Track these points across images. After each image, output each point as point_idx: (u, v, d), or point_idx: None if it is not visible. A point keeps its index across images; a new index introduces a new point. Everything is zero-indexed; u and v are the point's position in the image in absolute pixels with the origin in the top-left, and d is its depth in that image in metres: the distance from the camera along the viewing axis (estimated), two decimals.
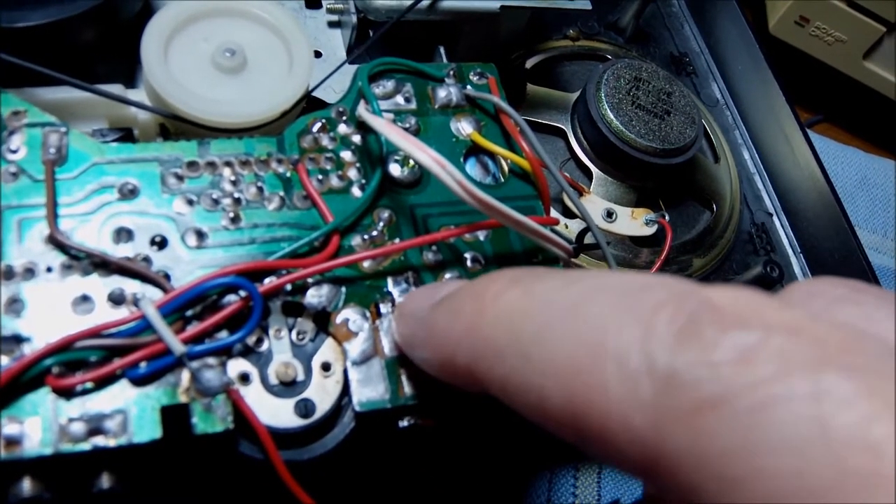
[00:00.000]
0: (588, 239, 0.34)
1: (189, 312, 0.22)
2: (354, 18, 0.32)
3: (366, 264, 0.24)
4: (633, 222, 0.38)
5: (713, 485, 0.13)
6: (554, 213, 0.34)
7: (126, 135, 0.28)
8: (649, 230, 0.38)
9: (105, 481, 0.21)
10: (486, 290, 0.18)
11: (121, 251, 0.23)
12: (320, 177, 0.25)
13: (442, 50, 0.33)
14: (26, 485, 0.20)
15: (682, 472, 0.13)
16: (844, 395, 0.12)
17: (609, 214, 0.38)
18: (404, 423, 0.22)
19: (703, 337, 0.13)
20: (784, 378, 0.12)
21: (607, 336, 0.14)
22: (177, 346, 0.21)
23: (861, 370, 0.12)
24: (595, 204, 0.38)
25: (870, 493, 0.11)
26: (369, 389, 0.22)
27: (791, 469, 0.12)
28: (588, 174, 0.39)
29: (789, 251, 0.43)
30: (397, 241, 0.25)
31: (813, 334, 0.13)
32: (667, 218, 0.38)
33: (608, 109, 0.37)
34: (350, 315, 0.23)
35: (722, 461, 0.12)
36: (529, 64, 0.42)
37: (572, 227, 0.36)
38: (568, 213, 0.37)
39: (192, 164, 0.24)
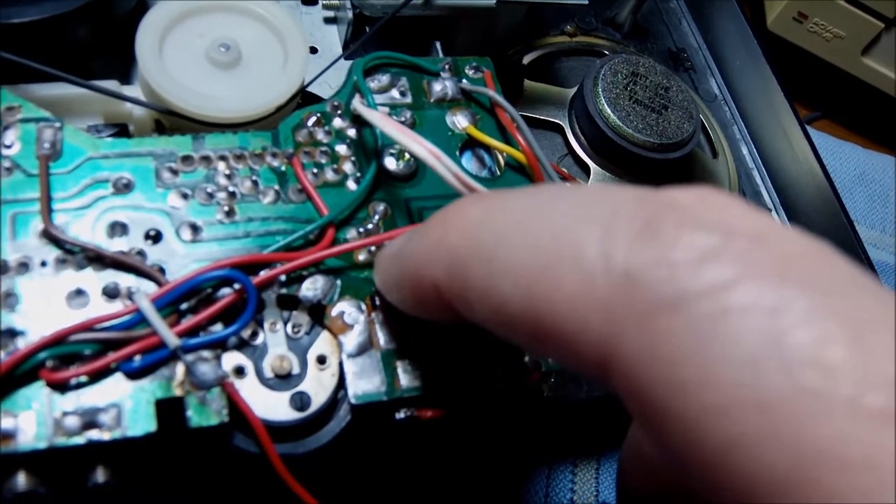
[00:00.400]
0: None
1: (184, 306, 0.22)
2: (350, 14, 0.32)
3: (361, 256, 0.24)
4: None
5: (661, 389, 0.12)
6: None
7: (121, 130, 0.28)
8: None
9: (100, 475, 0.21)
10: (450, 210, 0.18)
11: (115, 245, 0.23)
12: (315, 170, 0.25)
13: (438, 45, 0.33)
14: (21, 479, 0.20)
15: (633, 374, 0.13)
16: (803, 311, 0.12)
17: None
18: (401, 415, 0.22)
19: (662, 235, 0.13)
20: (742, 286, 0.12)
21: (564, 237, 0.14)
22: (171, 339, 0.21)
23: (822, 288, 0.12)
24: None
25: (819, 413, 0.11)
26: (365, 382, 0.22)
27: (742, 380, 0.11)
28: (586, 170, 0.39)
29: None
30: (393, 231, 0.24)
31: (778, 243, 0.13)
32: None
33: (605, 104, 0.37)
34: (345, 308, 0.23)
35: (673, 366, 0.12)
36: (526, 60, 0.42)
37: None
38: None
39: (186, 159, 0.24)
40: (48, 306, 0.21)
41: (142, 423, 0.20)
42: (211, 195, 0.24)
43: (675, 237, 0.13)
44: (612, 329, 0.13)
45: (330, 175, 0.25)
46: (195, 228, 0.23)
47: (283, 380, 0.22)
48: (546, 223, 0.15)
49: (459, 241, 0.17)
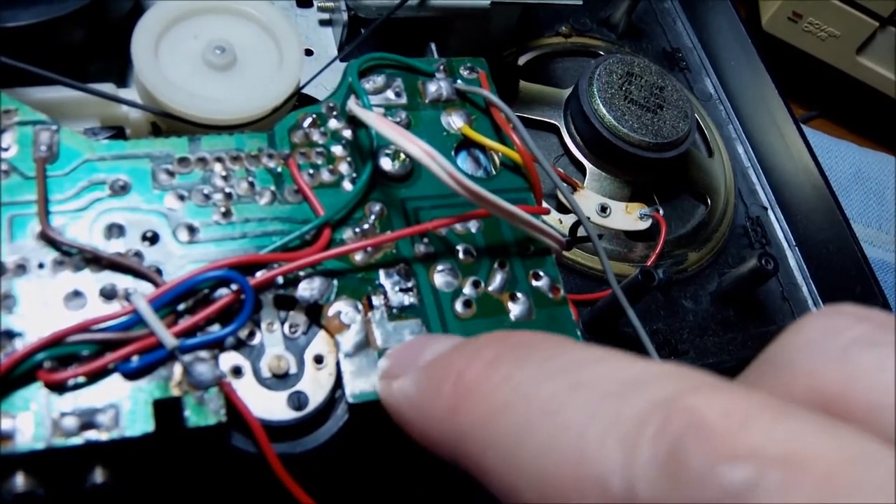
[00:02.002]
0: (581, 232, 0.34)
1: (181, 306, 0.22)
2: (345, 16, 0.33)
3: (357, 257, 0.24)
4: (628, 217, 0.38)
5: None
6: (548, 208, 0.34)
7: (118, 133, 0.28)
8: (643, 224, 0.38)
9: (98, 476, 0.21)
10: (467, 370, 0.17)
11: (112, 247, 0.23)
12: (311, 171, 0.25)
13: (433, 46, 0.34)
14: (19, 480, 0.20)
15: None
16: None
17: (603, 209, 0.38)
18: None
19: (689, 471, 0.12)
20: None
21: (587, 453, 0.14)
22: (169, 339, 0.21)
23: None
24: (589, 199, 0.38)
25: None
26: (362, 381, 0.22)
27: None
28: (582, 169, 0.39)
29: (784, 244, 0.43)
30: (389, 233, 0.25)
31: (816, 465, 0.12)
32: (661, 212, 0.38)
33: (601, 104, 0.37)
34: (342, 307, 0.23)
35: None
36: (522, 61, 0.42)
37: (567, 223, 0.36)
38: (562, 209, 0.37)
39: (183, 160, 0.24)
40: (46, 308, 0.21)
41: (139, 423, 0.20)
42: (207, 196, 0.24)
43: (702, 475, 0.12)
44: None
45: (326, 176, 0.25)
46: (192, 229, 0.23)
47: (281, 379, 0.22)
48: (566, 425, 0.14)
49: (475, 424, 0.16)
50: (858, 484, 0.11)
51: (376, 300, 0.24)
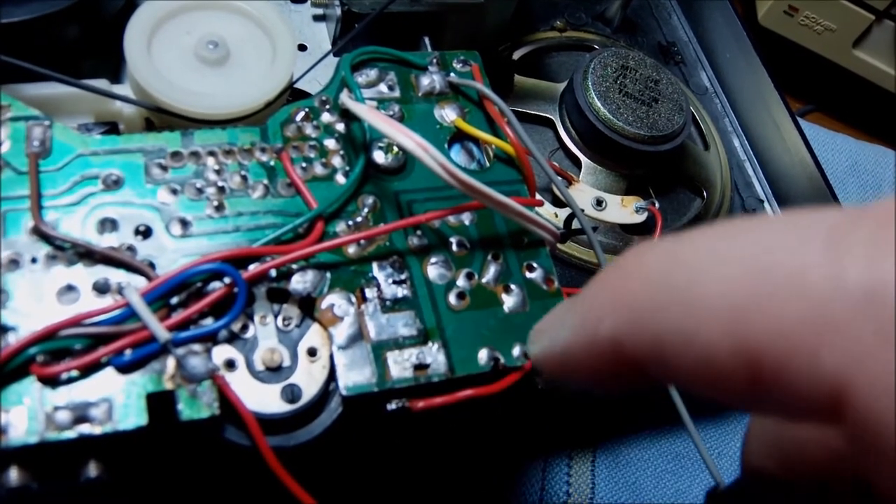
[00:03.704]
0: (576, 225, 0.34)
1: (174, 300, 0.22)
2: (339, 11, 0.33)
3: (350, 249, 0.24)
4: (623, 210, 0.38)
5: None
6: (541, 200, 0.34)
7: (111, 129, 0.28)
8: (639, 218, 0.38)
9: (92, 470, 0.21)
10: (626, 256, 0.15)
11: (105, 241, 0.23)
12: (304, 165, 0.25)
13: (427, 40, 0.34)
14: (13, 474, 0.20)
15: (876, 409, 0.11)
16: None
17: (599, 203, 0.38)
18: (392, 406, 0.22)
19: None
20: None
21: (775, 259, 0.12)
22: (161, 332, 0.21)
23: None
24: (585, 192, 0.38)
25: None
26: (356, 373, 0.22)
27: None
28: (577, 163, 0.39)
29: None
30: (382, 225, 0.25)
31: None
32: (657, 205, 0.38)
33: (595, 98, 0.37)
34: (335, 300, 0.23)
35: None
36: (517, 55, 0.42)
37: (562, 216, 0.36)
38: (558, 203, 0.37)
39: (175, 155, 0.24)
40: (39, 302, 0.21)
41: (133, 416, 0.20)
42: (200, 190, 0.24)
43: None
44: (852, 358, 0.11)
45: (319, 169, 0.25)
46: (185, 223, 0.23)
47: (274, 372, 0.22)
48: (747, 249, 0.13)
49: (645, 286, 0.14)
50: None
51: (370, 293, 0.24)
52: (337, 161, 0.26)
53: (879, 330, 0.11)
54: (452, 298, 0.24)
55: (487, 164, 0.28)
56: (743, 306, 0.12)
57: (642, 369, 0.14)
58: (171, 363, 0.21)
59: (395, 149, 0.26)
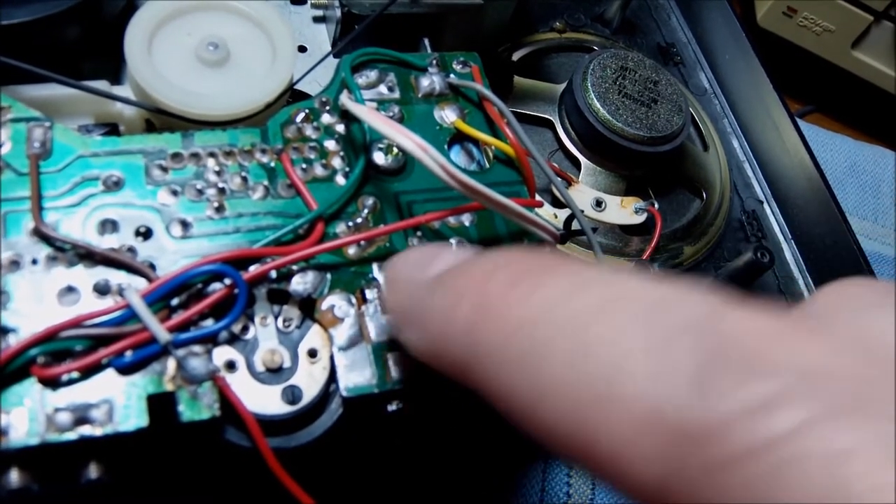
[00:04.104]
0: (576, 226, 0.34)
1: (174, 301, 0.22)
2: (339, 13, 0.33)
3: (351, 251, 0.24)
4: (623, 211, 0.38)
5: None
6: (541, 201, 0.34)
7: (112, 130, 0.28)
8: (639, 218, 0.38)
9: (93, 471, 0.21)
10: (487, 283, 0.16)
11: (106, 242, 0.23)
12: (304, 166, 0.25)
13: (426, 42, 0.34)
14: (14, 476, 0.20)
15: None
16: (868, 456, 0.11)
17: (598, 203, 0.38)
18: (392, 407, 0.23)
19: (720, 387, 0.12)
20: (802, 436, 0.11)
21: (618, 371, 0.13)
22: (162, 334, 0.21)
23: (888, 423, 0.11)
24: (584, 193, 0.38)
25: None
26: (356, 375, 0.22)
27: None
28: (577, 164, 0.39)
29: (780, 238, 0.43)
30: (382, 226, 0.25)
31: (841, 376, 0.12)
32: (656, 206, 0.38)
33: (595, 99, 0.37)
34: (336, 301, 0.23)
35: None
36: (516, 57, 0.42)
37: (562, 217, 0.36)
38: (557, 204, 0.37)
39: (176, 156, 0.24)
40: (39, 303, 0.21)
41: (133, 418, 0.20)
42: (201, 192, 0.24)
43: (733, 388, 0.12)
44: (667, 479, 0.12)
45: (319, 170, 0.26)
46: (185, 225, 0.23)
47: (275, 374, 0.22)
48: (596, 342, 0.14)
49: (497, 340, 0.15)
50: (876, 394, 0.11)
51: (370, 294, 0.24)
52: (337, 162, 0.26)
53: (686, 463, 0.12)
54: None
55: (487, 165, 0.28)
56: (585, 406, 0.14)
57: (479, 393, 0.16)
58: (171, 364, 0.21)
59: (395, 150, 0.26)
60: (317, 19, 0.35)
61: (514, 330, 0.15)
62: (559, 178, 0.38)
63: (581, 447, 0.14)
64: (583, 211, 0.37)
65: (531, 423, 0.15)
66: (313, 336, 0.23)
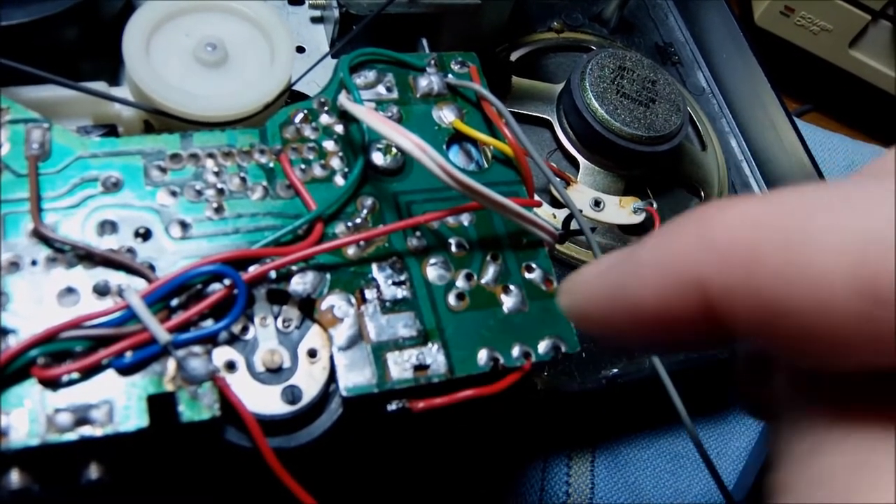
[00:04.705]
0: (574, 226, 0.34)
1: (174, 302, 0.22)
2: (336, 13, 0.33)
3: (350, 251, 0.24)
4: (621, 211, 0.38)
5: None
6: (539, 201, 0.34)
7: (110, 131, 0.28)
8: (637, 218, 0.38)
9: (93, 472, 0.21)
10: (705, 210, 0.15)
11: (105, 243, 0.23)
12: (303, 166, 0.25)
13: (424, 42, 0.34)
14: (14, 477, 0.20)
15: None
16: None
17: (597, 203, 0.38)
18: (392, 406, 0.23)
19: None
20: None
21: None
22: (162, 334, 0.21)
23: None
24: (583, 193, 0.38)
25: None
26: (356, 374, 0.22)
27: None
28: (575, 164, 0.39)
29: None
30: (381, 227, 0.25)
31: None
32: (655, 206, 0.38)
33: (593, 99, 0.38)
34: (335, 301, 0.23)
35: None
36: (514, 57, 0.42)
37: (561, 217, 0.36)
38: (556, 203, 0.37)
39: (175, 157, 0.25)
40: (39, 304, 0.21)
41: (134, 418, 0.20)
42: (200, 192, 0.24)
43: None
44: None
45: (318, 171, 0.26)
46: (184, 225, 0.23)
47: (275, 374, 0.22)
48: (851, 205, 0.13)
49: (741, 232, 0.14)
50: None
51: (369, 294, 0.24)
52: (336, 162, 0.26)
53: None
54: (452, 299, 0.24)
55: (486, 165, 0.28)
56: (871, 252, 0.12)
57: (726, 317, 0.14)
58: (171, 365, 0.21)
59: (394, 150, 0.26)
60: (315, 20, 0.35)
61: (755, 228, 0.14)
62: (558, 178, 0.38)
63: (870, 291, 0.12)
64: (581, 211, 0.37)
65: (816, 308, 0.13)
66: (313, 336, 0.23)
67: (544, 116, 0.40)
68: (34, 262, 0.22)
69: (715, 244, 0.14)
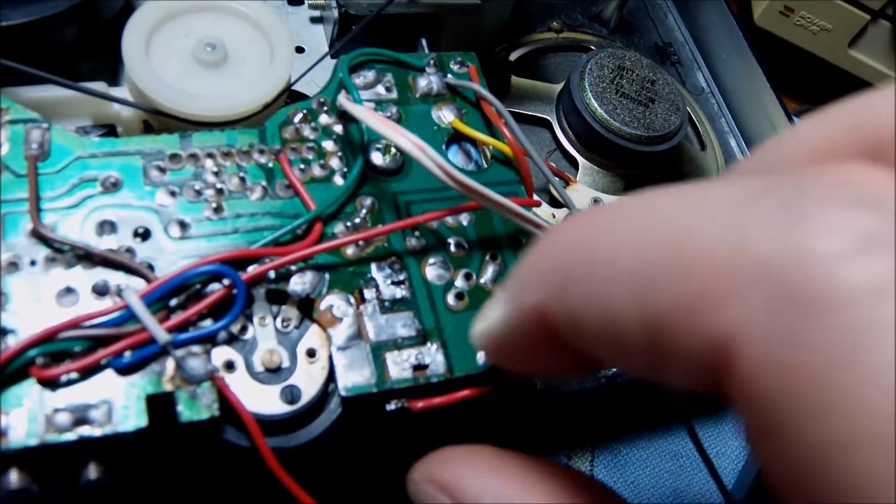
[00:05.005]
0: None
1: (173, 302, 0.22)
2: (336, 13, 0.33)
3: (349, 251, 0.24)
4: None
5: (786, 404, 0.10)
6: (539, 201, 0.34)
7: (110, 132, 0.28)
8: None
9: (92, 472, 0.21)
10: (551, 229, 0.16)
11: (104, 243, 0.23)
12: (302, 166, 0.25)
13: (424, 42, 0.34)
14: (13, 477, 0.20)
15: (756, 381, 0.11)
16: None
17: (596, 203, 0.38)
18: (392, 406, 0.23)
19: (808, 217, 0.11)
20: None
21: (687, 229, 0.12)
22: (161, 334, 0.21)
23: None
24: (582, 193, 0.38)
25: None
26: (355, 374, 0.22)
27: (884, 413, 0.09)
28: (574, 164, 0.39)
29: None
30: (380, 226, 0.25)
31: None
32: None
33: (592, 98, 0.38)
34: (334, 301, 0.23)
35: (806, 381, 0.10)
36: (513, 57, 0.42)
37: (560, 217, 0.36)
38: (555, 203, 0.37)
39: (174, 157, 0.25)
40: (38, 304, 0.21)
41: (133, 418, 0.20)
42: (199, 192, 0.24)
43: (824, 219, 0.10)
44: (741, 326, 0.11)
45: (317, 171, 0.26)
46: (184, 225, 0.23)
47: (274, 373, 0.22)
48: (660, 220, 0.13)
49: (565, 251, 0.14)
50: None
51: (368, 293, 0.24)
52: (335, 162, 0.26)
53: (770, 299, 0.11)
54: (451, 299, 0.24)
55: (485, 165, 0.28)
56: (651, 274, 0.12)
57: (564, 340, 0.14)
58: (170, 365, 0.21)
59: (393, 150, 0.26)
60: (314, 20, 0.35)
61: (583, 234, 0.14)
62: (557, 178, 0.38)
63: (653, 318, 0.12)
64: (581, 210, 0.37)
65: (608, 325, 0.13)
66: (312, 336, 0.23)
67: (543, 116, 0.40)
68: (33, 262, 0.22)
69: (548, 267, 0.14)
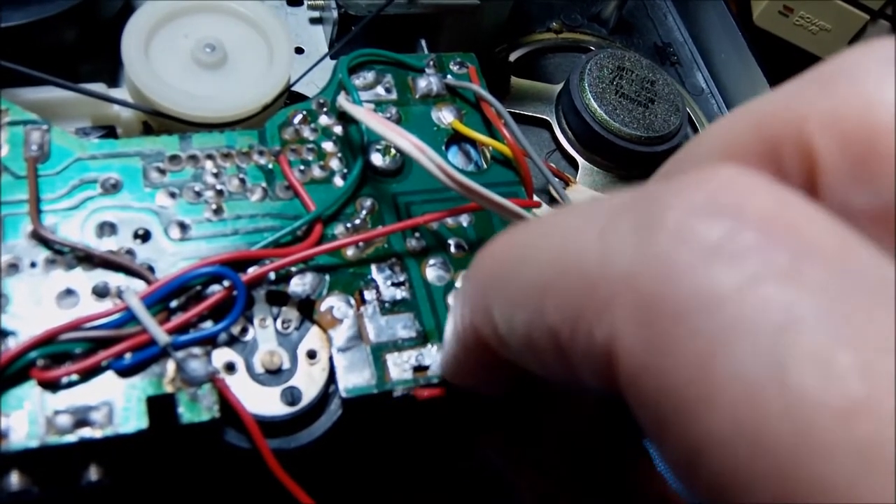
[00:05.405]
0: None
1: (173, 303, 0.22)
2: (335, 14, 0.33)
3: (349, 252, 0.24)
4: None
5: (662, 403, 0.11)
6: (539, 201, 0.34)
7: (109, 133, 0.28)
8: None
9: (93, 474, 0.21)
10: (483, 248, 0.16)
11: (104, 245, 0.23)
12: (302, 167, 0.25)
13: (423, 43, 0.34)
14: (14, 479, 0.20)
15: (636, 383, 0.11)
16: (811, 334, 0.10)
17: None
18: (398, 393, 0.22)
19: (664, 228, 0.11)
20: (748, 293, 0.10)
21: (569, 246, 0.13)
22: (161, 336, 0.21)
23: (836, 298, 0.10)
24: (582, 193, 0.38)
25: (819, 455, 0.09)
26: (355, 375, 0.22)
27: (739, 410, 0.10)
28: (574, 164, 0.39)
29: None
30: (380, 227, 0.25)
31: (796, 233, 0.11)
32: None
33: (592, 99, 0.38)
34: (334, 302, 0.23)
35: (673, 381, 0.11)
36: (513, 57, 0.42)
37: None
38: (555, 204, 0.37)
39: (174, 158, 0.25)
40: (38, 306, 0.21)
41: (133, 420, 0.20)
42: (199, 194, 0.24)
43: (677, 229, 0.11)
44: (615, 334, 0.12)
45: (317, 172, 0.26)
46: (184, 227, 0.23)
47: (274, 375, 0.22)
48: (555, 237, 0.14)
49: (484, 274, 0.16)
50: (836, 258, 0.10)
51: (368, 295, 0.24)
52: (335, 163, 0.26)
53: (634, 309, 0.11)
54: (451, 300, 0.24)
55: (485, 166, 0.28)
56: (544, 291, 0.13)
57: (497, 354, 0.15)
58: (171, 366, 0.21)
59: (393, 151, 0.26)
60: (313, 21, 0.35)
61: (498, 257, 0.16)
62: (557, 179, 0.38)
63: (552, 331, 0.13)
64: None
65: (523, 339, 0.14)
66: (312, 337, 0.23)
67: (543, 117, 0.40)
68: (33, 264, 0.22)
69: (475, 290, 0.16)
